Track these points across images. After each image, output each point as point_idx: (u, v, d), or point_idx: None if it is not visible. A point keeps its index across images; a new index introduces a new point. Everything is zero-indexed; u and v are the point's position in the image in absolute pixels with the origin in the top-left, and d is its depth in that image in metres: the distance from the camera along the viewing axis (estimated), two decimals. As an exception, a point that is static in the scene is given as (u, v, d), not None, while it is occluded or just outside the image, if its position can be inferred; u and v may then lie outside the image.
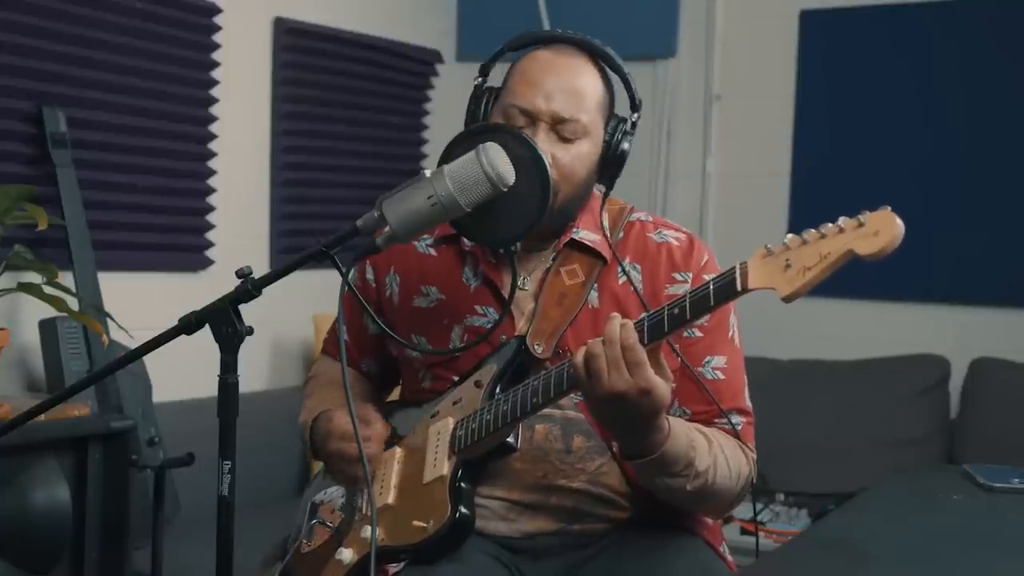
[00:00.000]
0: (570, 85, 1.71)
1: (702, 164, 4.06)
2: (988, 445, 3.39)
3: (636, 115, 1.78)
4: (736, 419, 1.75)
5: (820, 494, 3.46)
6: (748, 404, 1.78)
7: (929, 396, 3.59)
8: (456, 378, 1.76)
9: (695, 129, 4.06)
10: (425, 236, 1.83)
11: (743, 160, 4.02)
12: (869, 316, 3.79)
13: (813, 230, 1.34)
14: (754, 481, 1.76)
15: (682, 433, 1.61)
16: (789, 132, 3.92)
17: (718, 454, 1.67)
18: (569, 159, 1.70)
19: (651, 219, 1.83)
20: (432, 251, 1.85)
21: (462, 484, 1.66)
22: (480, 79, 1.81)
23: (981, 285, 3.64)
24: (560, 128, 1.70)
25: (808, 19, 3.89)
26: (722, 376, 1.74)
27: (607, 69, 1.77)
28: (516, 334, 1.73)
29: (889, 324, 3.77)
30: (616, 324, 1.48)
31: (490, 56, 1.80)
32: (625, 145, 1.76)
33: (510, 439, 1.64)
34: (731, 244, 3.91)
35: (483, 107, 1.79)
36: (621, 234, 1.79)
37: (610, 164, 1.76)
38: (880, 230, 1.28)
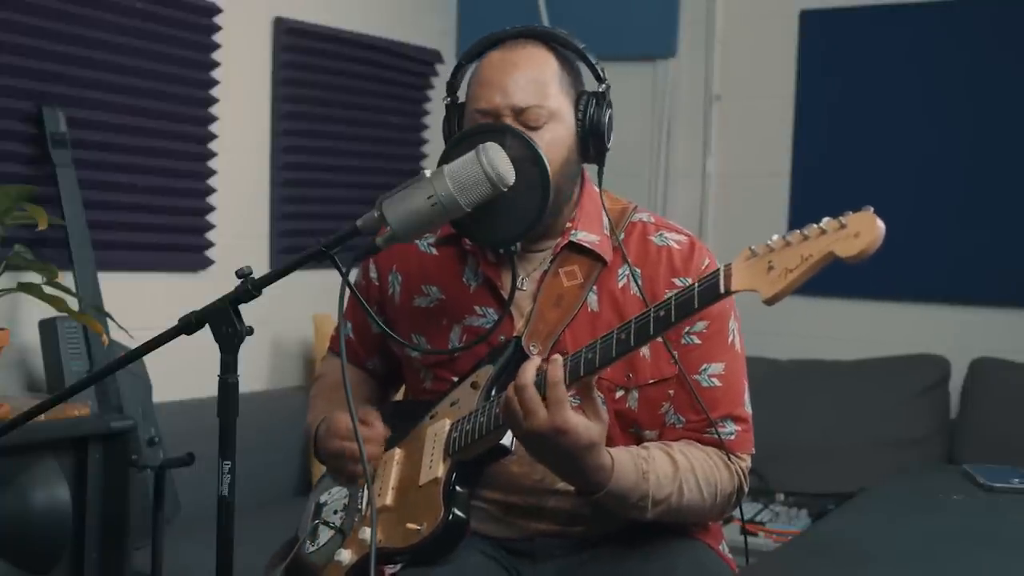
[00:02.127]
0: (525, 75, 1.70)
1: (702, 164, 4.06)
2: (988, 445, 3.39)
3: (603, 85, 1.76)
4: (730, 427, 1.73)
5: (820, 494, 3.46)
6: (747, 411, 1.76)
7: (929, 396, 3.59)
8: (455, 379, 1.76)
9: (695, 129, 4.06)
10: (427, 235, 1.82)
11: (743, 160, 4.02)
12: (869, 316, 3.79)
13: (797, 231, 1.33)
14: (744, 491, 1.75)
15: (629, 466, 1.60)
16: (789, 132, 3.93)
17: (686, 478, 1.65)
18: (542, 146, 1.67)
19: (653, 220, 1.81)
20: (433, 250, 1.84)
21: (456, 487, 1.66)
22: (448, 98, 1.81)
23: (981, 285, 3.64)
24: (524, 118, 1.68)
25: (808, 19, 3.89)
26: (719, 383, 1.73)
27: (562, 50, 1.76)
28: (514, 335, 1.72)
29: (889, 324, 3.77)
30: (531, 367, 1.51)
31: (451, 73, 1.80)
32: (600, 116, 1.73)
33: (504, 441, 1.63)
34: (731, 244, 3.88)
35: (454, 124, 1.79)
36: (622, 235, 1.77)
37: (590, 139, 1.73)
38: (860, 231, 1.27)
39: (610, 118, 1.74)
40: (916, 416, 3.57)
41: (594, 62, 1.76)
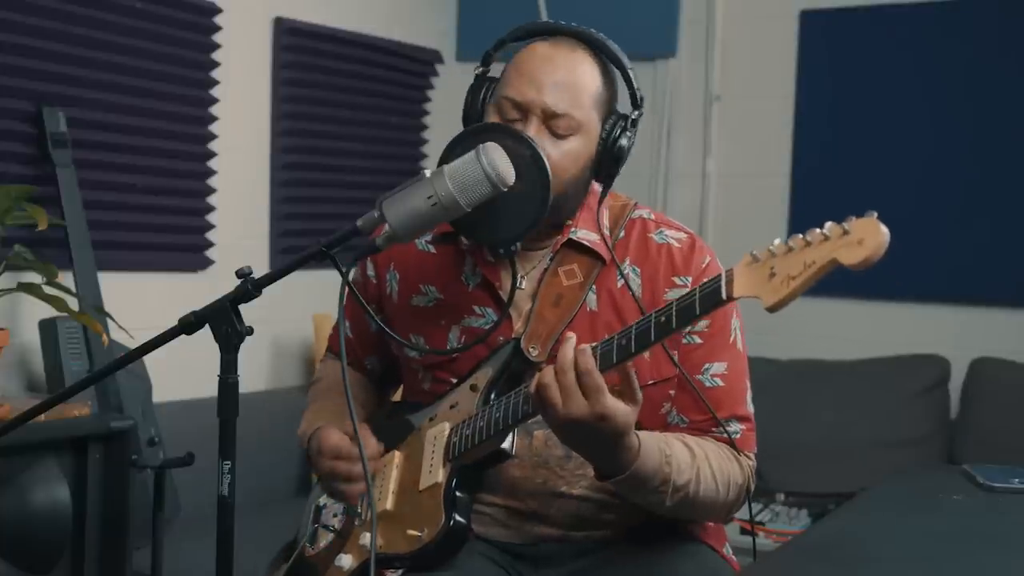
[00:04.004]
0: (565, 79, 1.68)
1: (702, 164, 4.06)
2: (988, 445, 3.39)
3: (637, 112, 1.75)
4: (735, 427, 1.72)
5: (820, 494, 3.46)
6: (749, 410, 1.75)
7: (929, 396, 3.59)
8: (454, 380, 1.75)
9: (695, 129, 4.06)
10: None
11: (743, 160, 4.02)
12: (869, 316, 3.79)
13: (800, 236, 1.30)
14: (751, 489, 1.74)
15: (655, 450, 1.57)
16: (789, 132, 3.93)
17: (702, 467, 1.63)
18: (559, 156, 1.67)
19: (653, 217, 1.80)
20: (431, 249, 1.83)
21: (457, 492, 1.65)
22: (481, 68, 1.78)
23: (981, 285, 3.64)
24: (552, 124, 1.67)
25: (808, 19, 3.89)
26: (721, 383, 1.72)
27: (608, 64, 1.74)
28: (512, 336, 1.71)
29: (889, 324, 3.77)
30: (569, 349, 1.47)
31: (493, 45, 1.77)
32: (623, 141, 1.72)
33: (505, 445, 1.62)
34: (731, 244, 3.91)
35: (481, 96, 1.75)
36: (622, 233, 1.76)
37: (607, 162, 1.72)
38: (864, 239, 1.24)
39: (631, 144, 1.73)
40: (916, 416, 3.56)
41: (636, 87, 1.75)
